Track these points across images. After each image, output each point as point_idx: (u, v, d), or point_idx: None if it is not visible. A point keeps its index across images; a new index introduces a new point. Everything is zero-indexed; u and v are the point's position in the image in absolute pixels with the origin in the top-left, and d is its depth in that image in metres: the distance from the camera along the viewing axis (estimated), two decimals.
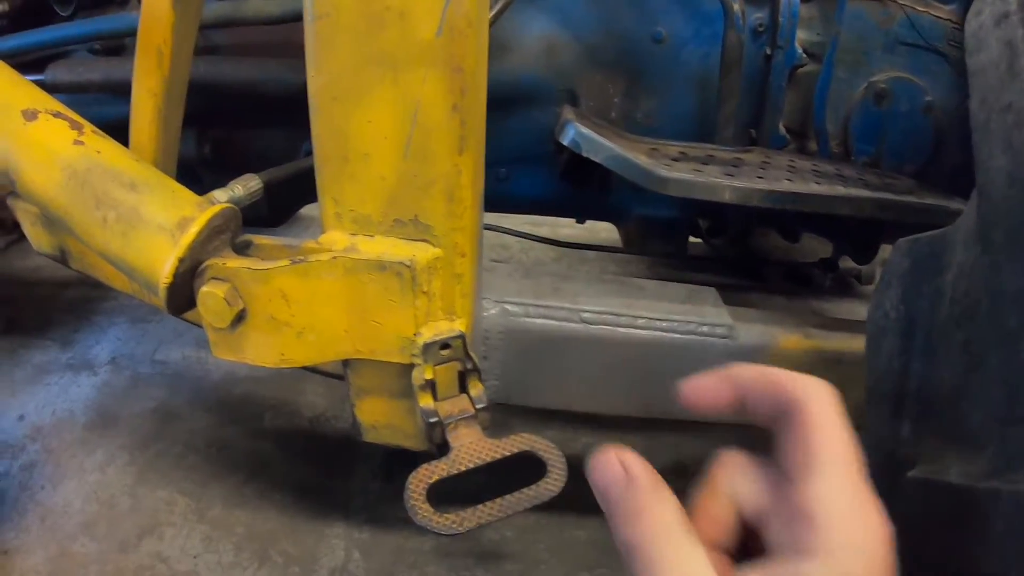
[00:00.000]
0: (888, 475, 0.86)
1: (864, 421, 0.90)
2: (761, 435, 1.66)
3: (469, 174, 0.78)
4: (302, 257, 0.82)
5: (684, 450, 1.79)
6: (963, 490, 0.74)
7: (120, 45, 1.52)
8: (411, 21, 0.73)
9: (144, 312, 2.21)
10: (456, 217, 0.80)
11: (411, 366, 0.86)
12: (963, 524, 0.74)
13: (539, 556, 1.50)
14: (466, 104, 0.76)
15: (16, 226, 1.49)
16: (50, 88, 1.42)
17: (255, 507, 1.59)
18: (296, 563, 1.47)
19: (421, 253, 0.80)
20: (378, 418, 0.97)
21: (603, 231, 2.14)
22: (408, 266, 0.79)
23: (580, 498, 1.67)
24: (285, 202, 1.66)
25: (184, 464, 1.69)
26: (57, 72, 1.44)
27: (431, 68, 0.74)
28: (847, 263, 2.26)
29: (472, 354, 0.85)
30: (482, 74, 0.79)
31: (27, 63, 1.44)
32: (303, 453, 1.75)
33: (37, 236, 1.41)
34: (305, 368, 1.13)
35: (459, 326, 0.84)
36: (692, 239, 2.06)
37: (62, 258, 1.41)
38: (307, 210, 1.83)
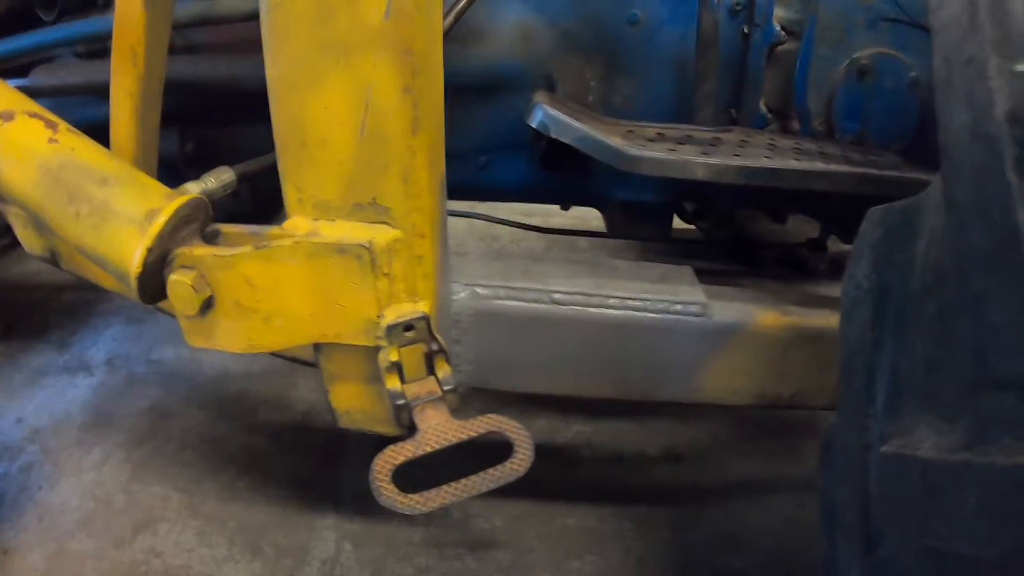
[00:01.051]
0: (861, 452, 0.85)
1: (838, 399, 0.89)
2: (754, 420, 1.63)
3: (425, 155, 0.79)
4: (265, 243, 0.83)
5: (676, 437, 1.79)
6: (935, 464, 0.72)
7: (103, 49, 1.52)
8: (360, 6, 0.74)
9: (139, 313, 2.23)
10: (413, 198, 0.80)
11: (378, 349, 0.86)
12: (934, 500, 0.73)
13: (529, 544, 1.50)
14: (418, 86, 0.76)
15: (8, 230, 1.51)
16: (33, 92, 1.42)
17: (248, 501, 1.60)
18: (288, 555, 1.48)
19: (380, 235, 0.81)
20: (351, 403, 0.98)
21: (595, 220, 2.14)
22: (367, 248, 0.80)
23: (571, 485, 1.68)
24: (270, 197, 1.67)
25: (178, 460, 1.71)
26: (40, 76, 1.46)
27: (381, 51, 0.74)
28: (840, 246, 2.25)
29: (437, 335, 0.86)
30: (435, 56, 0.80)
31: (12, 69, 1.45)
32: (295, 447, 1.76)
33: (28, 239, 1.43)
34: (284, 357, 1.15)
35: (422, 307, 0.85)
36: (686, 225, 2.06)
37: (53, 260, 1.43)
38: None
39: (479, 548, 1.50)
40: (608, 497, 1.60)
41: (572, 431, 1.79)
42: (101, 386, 1.96)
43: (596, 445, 1.76)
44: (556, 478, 1.62)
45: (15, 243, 1.49)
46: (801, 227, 2.11)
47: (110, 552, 1.49)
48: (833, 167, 1.20)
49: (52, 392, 1.94)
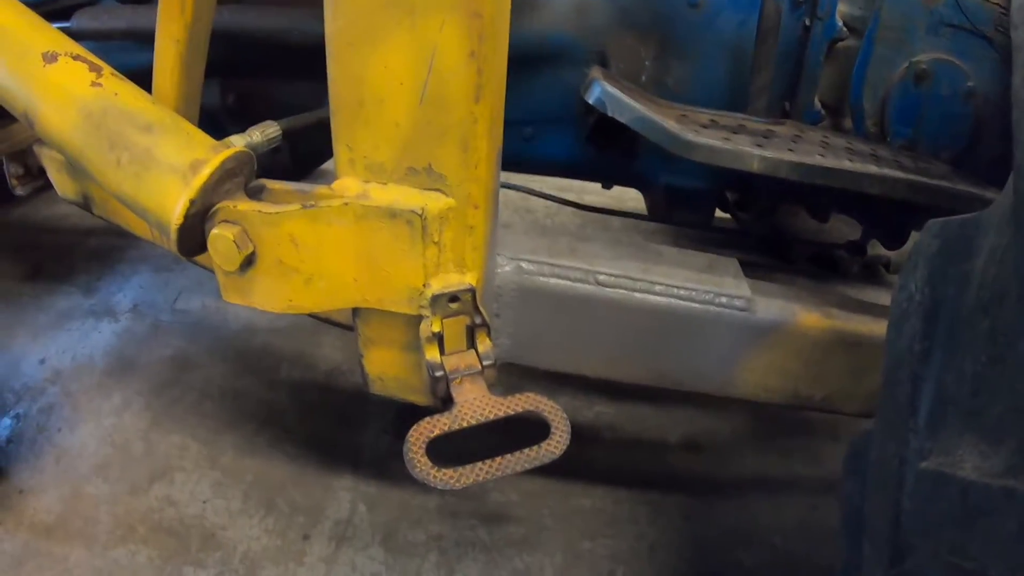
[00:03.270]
0: (898, 465, 0.83)
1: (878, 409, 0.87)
2: (773, 417, 1.60)
3: (486, 123, 0.77)
4: (313, 202, 0.81)
5: (696, 426, 1.77)
6: (976, 486, 0.70)
7: None
8: None
9: (167, 261, 2.23)
10: (471, 167, 0.78)
11: (419, 318, 0.85)
12: (973, 522, 0.71)
13: (543, 522, 1.50)
14: (484, 51, 0.73)
15: (42, 172, 1.51)
16: (76, 36, 1.42)
17: (266, 456, 1.60)
18: (302, 513, 1.48)
19: (433, 202, 0.79)
20: (385, 370, 0.97)
21: (630, 201, 2.11)
22: (419, 215, 0.78)
23: (588, 466, 1.67)
24: (309, 154, 1.66)
25: (199, 411, 1.71)
26: (82, 20, 1.44)
27: (449, 13, 0.72)
28: (876, 249, 2.21)
29: (482, 308, 0.84)
30: (503, 22, 0.77)
31: (55, 12, 1.44)
32: (316, 405, 1.77)
33: (62, 182, 1.42)
34: (316, 317, 1.14)
35: (469, 279, 0.83)
36: (720, 214, 2.03)
37: (85, 204, 1.42)
38: (331, 164, 1.83)
39: (493, 521, 1.49)
40: (624, 481, 1.59)
41: (593, 412, 1.78)
42: (125, 332, 1.97)
43: (616, 428, 1.75)
44: (574, 458, 1.60)
45: (46, 185, 1.49)
46: (839, 228, 2.07)
47: (125, 498, 1.50)
48: (886, 171, 1.17)
49: (76, 335, 1.95)
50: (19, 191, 1.93)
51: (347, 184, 0.83)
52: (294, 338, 1.95)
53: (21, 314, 2.02)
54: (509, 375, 1.47)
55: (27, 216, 2.46)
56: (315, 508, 1.50)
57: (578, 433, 1.71)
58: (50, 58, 0.98)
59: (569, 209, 1.96)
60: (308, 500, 1.51)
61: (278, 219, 0.81)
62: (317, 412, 1.74)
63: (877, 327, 1.15)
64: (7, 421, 1.67)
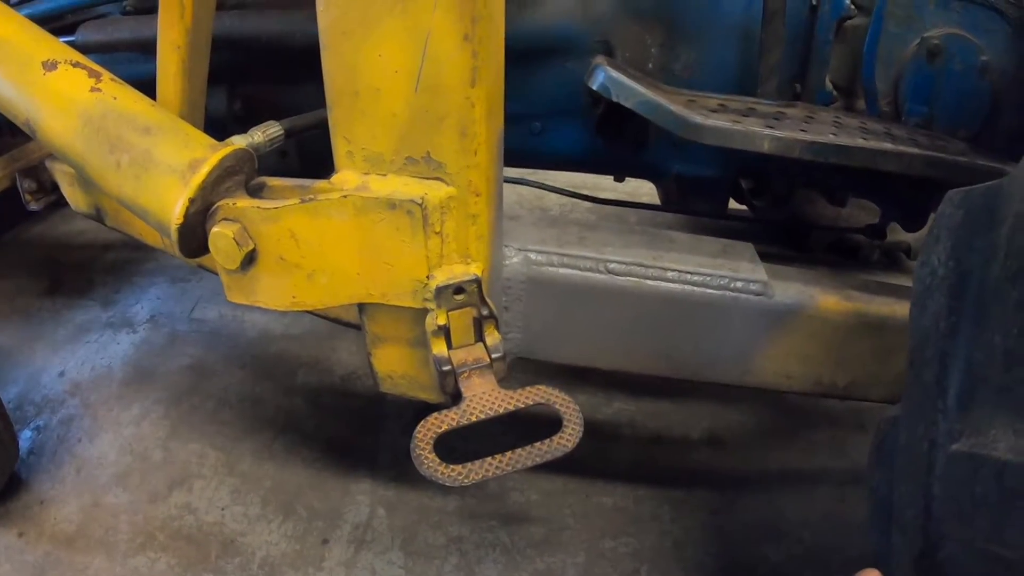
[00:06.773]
0: (928, 449, 0.80)
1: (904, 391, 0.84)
2: (798, 409, 1.55)
3: (483, 108, 0.75)
4: (311, 196, 0.80)
5: (719, 420, 1.74)
6: (1012, 467, 0.67)
7: (151, 6, 1.51)
8: None
9: (183, 272, 2.24)
10: (470, 153, 0.76)
11: (425, 311, 0.83)
12: (1010, 505, 0.68)
13: (564, 521, 1.48)
14: (478, 34, 0.72)
15: (55, 187, 1.52)
16: (81, 49, 1.42)
17: (284, 462, 1.60)
18: (321, 517, 1.47)
19: (433, 191, 0.77)
20: (394, 367, 0.95)
21: (644, 196, 2.09)
22: (419, 204, 0.76)
23: (609, 464, 1.64)
24: (318, 157, 1.65)
25: (217, 419, 1.71)
26: (87, 33, 1.45)
27: None
28: (896, 236, 2.17)
29: (488, 300, 0.82)
30: (497, 3, 0.76)
31: (61, 28, 1.45)
32: (333, 410, 1.76)
33: (74, 196, 1.43)
34: (326, 318, 1.13)
35: (474, 270, 0.81)
36: (736, 205, 2.00)
37: (98, 216, 1.43)
38: None
39: (513, 521, 1.47)
40: (646, 478, 1.57)
41: (614, 408, 1.75)
42: (143, 343, 1.97)
43: (637, 424, 1.72)
44: (595, 455, 1.59)
45: (61, 201, 1.50)
46: (857, 214, 2.03)
47: (144, 507, 1.50)
48: (902, 148, 1.14)
49: (94, 347, 1.96)
50: (33, 206, 1.94)
51: (346, 177, 0.82)
52: (310, 344, 1.95)
53: (40, 329, 2.03)
54: (525, 372, 1.46)
55: (44, 233, 2.49)
56: (333, 512, 1.49)
57: (598, 430, 1.71)
58: (50, 66, 0.98)
59: (584, 206, 1.93)
60: (326, 505, 1.50)
61: (277, 215, 0.80)
62: (334, 417, 1.73)
63: (900, 308, 1.11)
64: (28, 433, 1.68)
